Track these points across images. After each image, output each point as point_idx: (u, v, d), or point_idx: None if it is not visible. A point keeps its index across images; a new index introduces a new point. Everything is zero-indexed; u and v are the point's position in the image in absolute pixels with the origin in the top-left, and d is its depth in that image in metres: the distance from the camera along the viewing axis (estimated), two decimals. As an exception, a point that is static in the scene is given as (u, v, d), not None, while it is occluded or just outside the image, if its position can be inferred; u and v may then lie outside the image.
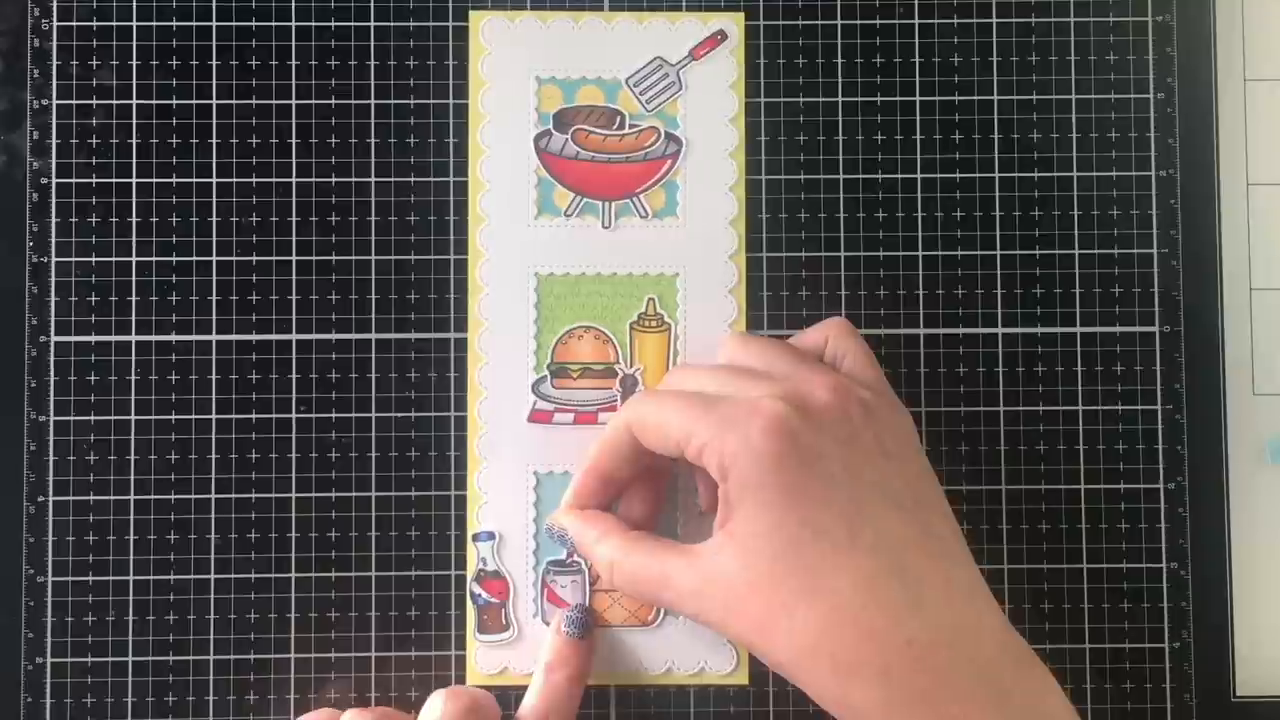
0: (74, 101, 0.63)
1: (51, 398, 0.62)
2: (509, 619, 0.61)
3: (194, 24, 0.63)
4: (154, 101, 0.63)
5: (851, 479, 0.49)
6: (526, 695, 0.58)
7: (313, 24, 0.63)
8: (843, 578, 0.47)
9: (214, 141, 0.63)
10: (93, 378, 0.62)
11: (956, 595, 0.48)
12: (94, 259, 0.62)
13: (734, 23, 0.64)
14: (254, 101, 0.63)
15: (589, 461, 0.57)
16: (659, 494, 0.59)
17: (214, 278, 0.63)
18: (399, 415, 0.62)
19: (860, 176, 0.64)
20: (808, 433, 0.49)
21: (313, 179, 0.63)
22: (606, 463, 0.56)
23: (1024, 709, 0.47)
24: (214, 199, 0.63)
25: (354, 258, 0.63)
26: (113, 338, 0.62)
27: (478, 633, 0.61)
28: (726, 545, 0.50)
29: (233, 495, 0.62)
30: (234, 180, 0.63)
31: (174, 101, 0.63)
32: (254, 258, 0.63)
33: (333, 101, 0.63)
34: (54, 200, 0.63)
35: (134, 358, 0.62)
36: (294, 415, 0.62)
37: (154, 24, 0.63)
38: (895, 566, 0.48)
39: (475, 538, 0.61)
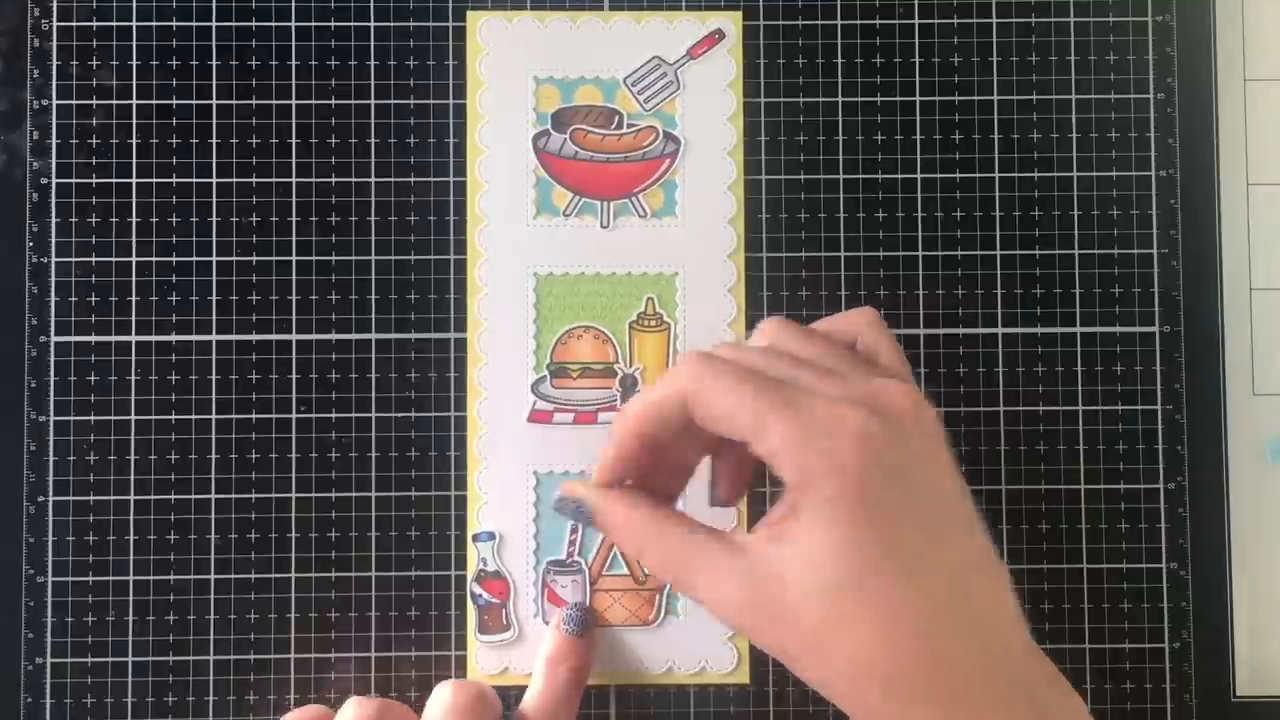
0: (74, 101, 0.63)
1: (51, 398, 0.62)
2: (510, 619, 0.61)
3: (194, 24, 0.63)
4: (154, 101, 0.63)
5: (927, 497, 0.45)
6: (529, 690, 0.58)
7: (313, 24, 0.63)
8: (909, 601, 0.44)
9: (214, 141, 0.63)
10: (93, 378, 0.62)
11: (1011, 621, 0.46)
12: (94, 259, 0.62)
13: (731, 22, 0.64)
14: (254, 101, 0.63)
15: (628, 426, 0.49)
16: (686, 466, 0.53)
17: (214, 278, 0.63)
18: (399, 415, 0.62)
19: (860, 176, 0.64)
20: (892, 449, 0.45)
21: (312, 179, 0.63)
22: (651, 429, 0.49)
23: None
24: (214, 199, 0.63)
25: (354, 258, 0.63)
26: (113, 338, 0.62)
27: (479, 633, 0.61)
28: (785, 550, 0.45)
29: (233, 495, 0.62)
30: (234, 180, 0.63)
31: (174, 101, 0.63)
32: (254, 258, 0.63)
33: (332, 101, 0.63)
34: (54, 200, 0.63)
35: (134, 358, 0.62)
36: (294, 415, 0.62)
37: (154, 24, 0.63)
38: (961, 592, 0.45)
39: (475, 538, 0.61)
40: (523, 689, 0.59)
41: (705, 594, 0.47)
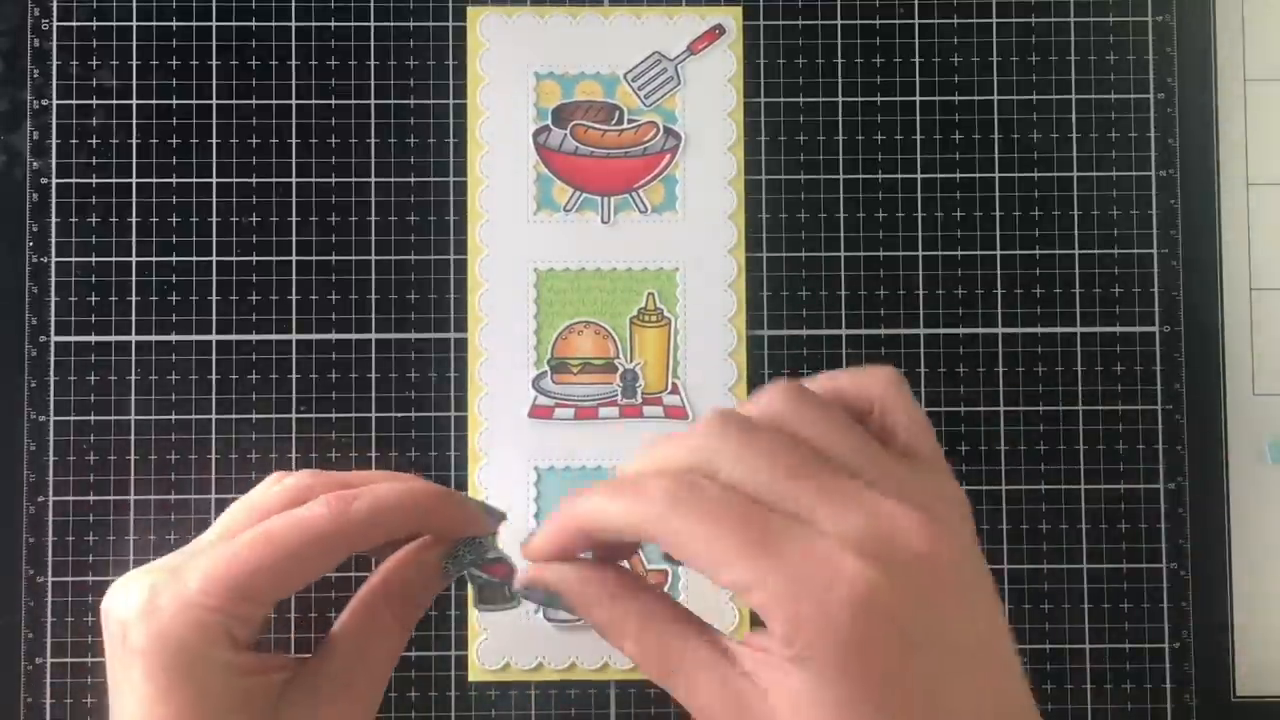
0: (74, 101, 0.63)
1: (51, 398, 0.62)
2: (511, 593, 0.60)
3: (194, 24, 0.63)
4: (154, 101, 0.63)
5: (934, 644, 0.39)
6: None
7: (313, 24, 0.64)
8: None
9: (214, 141, 0.63)
10: (93, 378, 0.62)
11: None
12: (94, 259, 0.62)
13: (732, 17, 0.64)
14: (254, 101, 0.63)
15: (570, 525, 0.43)
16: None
17: (214, 278, 0.63)
18: (399, 415, 0.62)
19: (860, 176, 0.64)
20: (898, 606, 0.38)
21: (313, 179, 0.63)
22: (596, 539, 0.43)
23: None
24: (214, 199, 0.63)
25: (354, 258, 0.63)
26: (113, 338, 0.62)
27: (479, 603, 0.58)
28: (774, 682, 0.39)
29: (233, 495, 0.62)
30: (234, 180, 0.63)
31: (174, 101, 0.63)
32: (254, 258, 0.63)
33: (333, 101, 0.63)
34: (54, 200, 0.63)
35: (134, 358, 0.62)
36: (294, 415, 0.62)
37: (154, 24, 0.63)
38: None
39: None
40: (524, 685, 0.59)
41: (685, 697, 0.41)
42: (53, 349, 0.62)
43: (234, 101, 0.63)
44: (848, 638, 0.38)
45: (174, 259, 0.63)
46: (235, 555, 0.45)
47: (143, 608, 0.44)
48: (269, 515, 0.47)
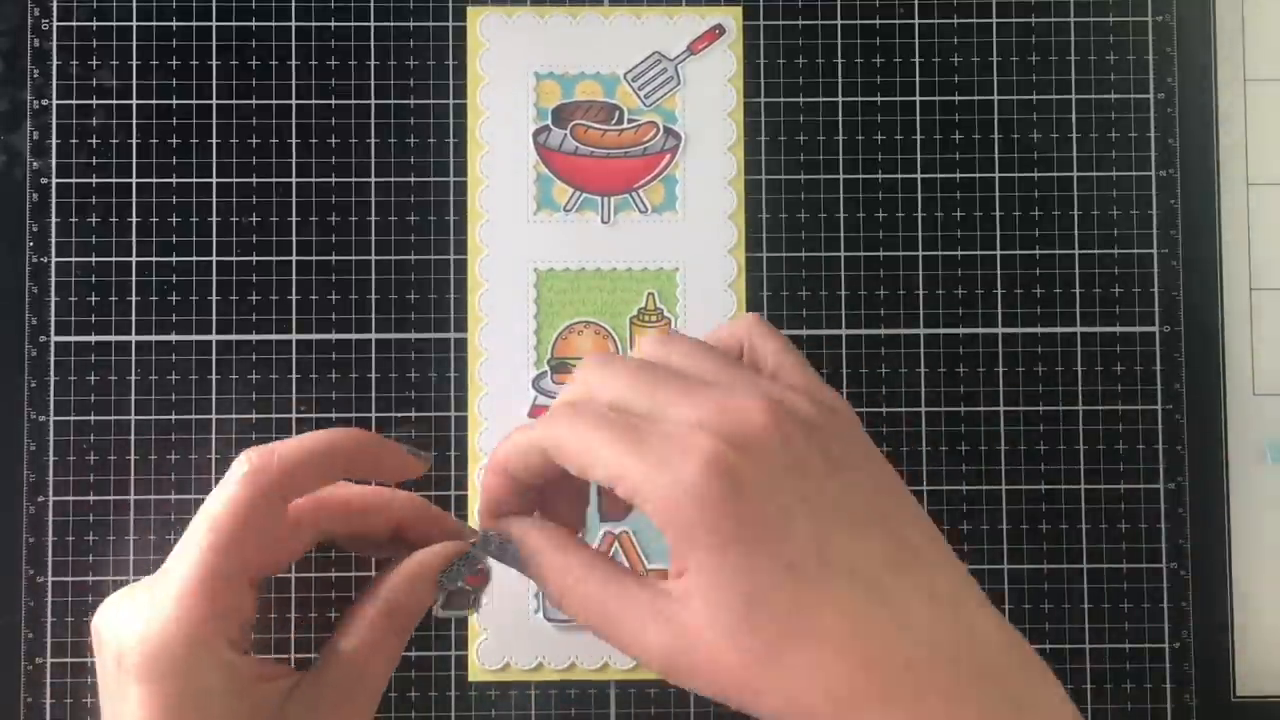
0: (74, 101, 0.63)
1: (51, 398, 0.62)
2: (475, 600, 0.59)
3: (194, 24, 0.63)
4: (154, 101, 0.63)
5: (807, 506, 0.43)
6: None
7: (313, 24, 0.64)
8: (823, 612, 0.42)
9: (214, 141, 0.63)
10: (93, 378, 0.62)
11: (944, 606, 0.44)
12: (94, 259, 0.62)
13: (732, 17, 0.64)
14: (254, 101, 0.63)
15: (491, 472, 0.48)
16: (583, 492, 0.51)
17: (214, 278, 0.63)
18: (399, 415, 0.62)
19: (860, 176, 0.64)
20: (749, 466, 0.43)
21: (313, 179, 0.63)
22: (521, 475, 0.48)
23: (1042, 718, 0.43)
24: (214, 199, 0.63)
25: (354, 258, 0.63)
26: (113, 338, 0.62)
27: (443, 607, 0.56)
28: (689, 600, 0.43)
29: (232, 495, 0.62)
30: (234, 180, 0.63)
31: (174, 101, 0.63)
32: (254, 258, 0.63)
33: (333, 101, 0.63)
34: (54, 200, 0.63)
35: (134, 358, 0.62)
36: (294, 415, 0.62)
37: (154, 24, 0.63)
38: (873, 589, 0.43)
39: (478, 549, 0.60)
40: (524, 685, 0.59)
41: (632, 644, 0.44)
42: (53, 349, 0.62)
43: (234, 101, 0.63)
44: (703, 497, 0.42)
45: (174, 259, 0.63)
46: (196, 552, 0.46)
47: (133, 627, 0.45)
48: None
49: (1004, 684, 0.43)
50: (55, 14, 0.63)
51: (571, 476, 0.47)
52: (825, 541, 0.43)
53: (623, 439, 0.44)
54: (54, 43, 0.63)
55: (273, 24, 0.64)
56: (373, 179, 0.63)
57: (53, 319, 0.62)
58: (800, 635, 0.42)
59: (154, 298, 0.62)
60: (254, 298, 0.63)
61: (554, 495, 0.50)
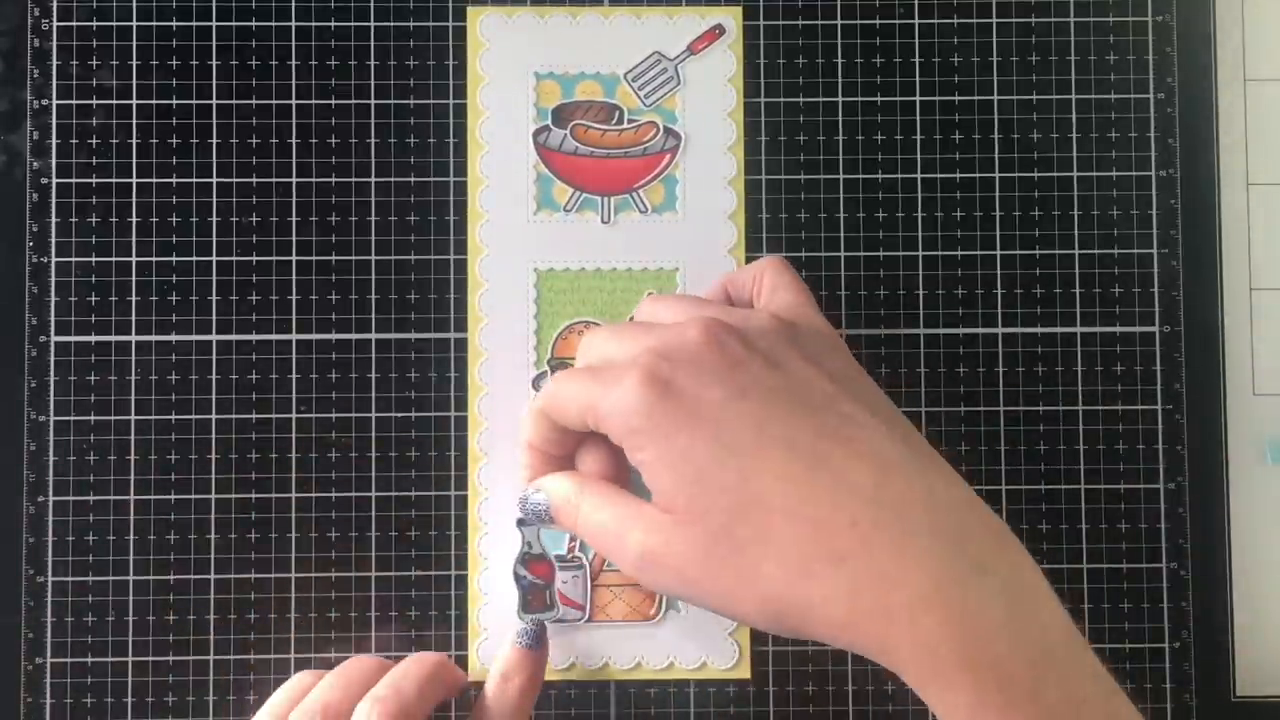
0: (74, 101, 0.63)
1: (51, 398, 0.62)
2: (551, 599, 0.61)
3: (194, 24, 0.63)
4: (154, 101, 0.63)
5: (744, 395, 0.47)
6: (477, 703, 0.58)
7: (313, 24, 0.64)
8: (764, 481, 0.46)
9: (214, 141, 0.63)
10: (93, 378, 0.62)
11: (894, 472, 0.46)
12: (94, 259, 0.62)
13: (732, 17, 0.64)
14: (254, 101, 0.63)
15: (527, 446, 0.55)
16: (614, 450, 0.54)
17: (214, 278, 0.63)
18: (399, 415, 0.62)
19: (860, 176, 0.64)
20: (680, 374, 0.48)
21: (313, 179, 0.63)
22: (542, 443, 0.54)
23: (1004, 579, 0.44)
24: (214, 199, 0.63)
25: (354, 258, 0.63)
26: (113, 338, 0.62)
27: (522, 610, 0.61)
28: (654, 493, 0.48)
29: (233, 495, 0.62)
30: (234, 180, 0.63)
31: (174, 101, 0.63)
32: (254, 258, 0.63)
33: (333, 101, 0.63)
34: (54, 200, 0.63)
35: (134, 358, 0.62)
36: (294, 415, 0.62)
37: (154, 24, 0.63)
38: (813, 457, 0.46)
39: (520, 523, 0.61)
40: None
41: (627, 554, 0.49)
42: (53, 349, 0.62)
43: (234, 101, 0.63)
44: (640, 402, 0.48)
45: (174, 259, 0.63)
46: None
47: None
48: None
49: (962, 544, 0.45)
50: (55, 14, 0.63)
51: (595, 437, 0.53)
52: (764, 421, 0.47)
53: (588, 378, 0.51)
54: (54, 43, 0.63)
55: (273, 24, 0.64)
56: (373, 179, 0.63)
57: (53, 319, 0.62)
58: (749, 506, 0.46)
59: (154, 298, 0.62)
60: (254, 298, 0.63)
61: (587, 455, 0.55)
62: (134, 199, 0.63)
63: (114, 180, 0.63)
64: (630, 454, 0.49)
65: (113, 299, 0.62)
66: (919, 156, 0.64)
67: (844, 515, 0.44)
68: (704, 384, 0.48)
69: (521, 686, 0.58)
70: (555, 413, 0.52)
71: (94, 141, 0.63)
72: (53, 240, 0.62)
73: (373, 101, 0.63)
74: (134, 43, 0.63)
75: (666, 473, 0.47)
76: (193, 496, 0.62)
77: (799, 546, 0.45)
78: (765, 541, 0.45)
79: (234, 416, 0.62)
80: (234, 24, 0.64)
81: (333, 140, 0.63)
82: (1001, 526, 0.47)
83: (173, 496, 0.62)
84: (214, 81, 0.63)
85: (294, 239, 0.63)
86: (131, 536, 0.62)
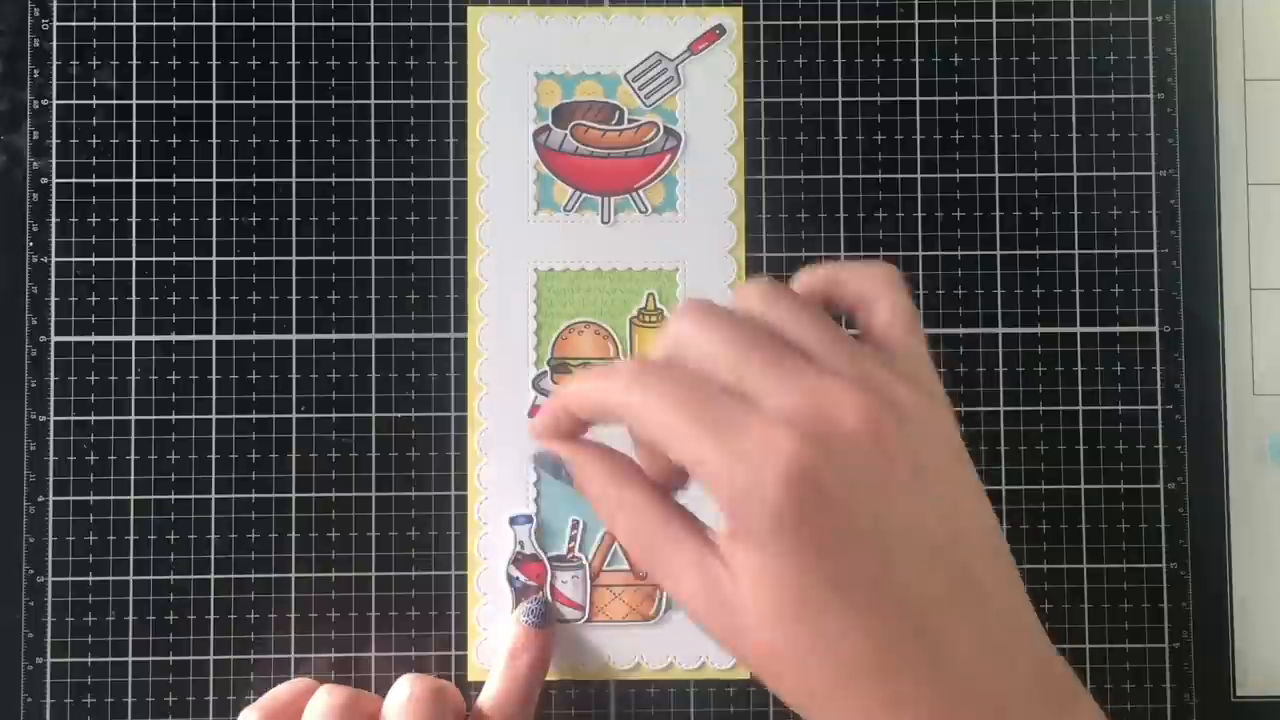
0: (74, 101, 0.63)
1: (51, 398, 0.62)
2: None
3: (194, 24, 0.63)
4: (154, 101, 0.63)
5: (879, 524, 0.41)
6: (487, 683, 0.58)
7: (313, 24, 0.64)
8: (859, 639, 0.40)
9: (214, 141, 0.63)
10: (93, 378, 0.62)
11: (987, 646, 0.41)
12: (94, 259, 0.62)
13: (732, 17, 0.64)
14: (254, 101, 0.63)
15: (556, 403, 0.46)
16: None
17: (214, 278, 0.63)
18: (399, 415, 0.62)
19: (860, 176, 0.64)
20: (832, 477, 0.40)
21: (313, 179, 0.63)
22: (582, 416, 0.46)
23: None
24: (214, 199, 0.63)
25: (354, 258, 0.63)
26: (113, 338, 0.62)
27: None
28: (738, 580, 0.42)
29: (233, 495, 0.62)
30: (234, 180, 0.63)
31: (174, 101, 0.63)
32: (254, 258, 0.63)
33: (333, 101, 0.63)
34: (54, 200, 0.63)
35: (134, 358, 0.62)
36: (294, 415, 0.62)
37: (154, 24, 0.63)
38: (918, 626, 0.41)
39: (513, 521, 0.61)
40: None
41: (669, 585, 0.44)
42: (53, 349, 0.62)
43: (234, 101, 0.63)
44: (779, 509, 0.40)
45: (174, 259, 0.63)
46: None
47: None
48: None
49: None
50: (55, 14, 0.63)
51: None
52: (884, 567, 0.41)
53: (703, 420, 0.41)
54: (54, 43, 0.63)
55: (273, 24, 0.64)
56: (373, 179, 0.63)
57: (53, 319, 0.62)
58: (830, 654, 0.41)
59: (154, 298, 0.62)
60: (254, 298, 0.63)
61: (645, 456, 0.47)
62: (134, 199, 0.63)
63: (114, 180, 0.63)
64: (731, 527, 0.42)
65: (113, 299, 0.62)
66: (919, 156, 0.64)
67: (923, 698, 0.41)
68: (850, 502, 0.40)
69: (530, 662, 0.58)
70: (642, 432, 0.44)
71: (94, 141, 0.63)
72: (53, 240, 0.62)
73: (373, 101, 0.63)
74: (134, 43, 0.63)
75: (763, 586, 0.41)
76: (193, 496, 0.62)
77: (867, 713, 0.41)
78: (833, 689, 0.41)
79: (234, 416, 0.62)
80: (234, 24, 0.64)
81: (333, 140, 0.63)
82: (1075, 692, 0.43)
83: (173, 496, 0.62)
84: (214, 81, 0.63)
85: (294, 239, 0.63)
86: (131, 536, 0.62)
